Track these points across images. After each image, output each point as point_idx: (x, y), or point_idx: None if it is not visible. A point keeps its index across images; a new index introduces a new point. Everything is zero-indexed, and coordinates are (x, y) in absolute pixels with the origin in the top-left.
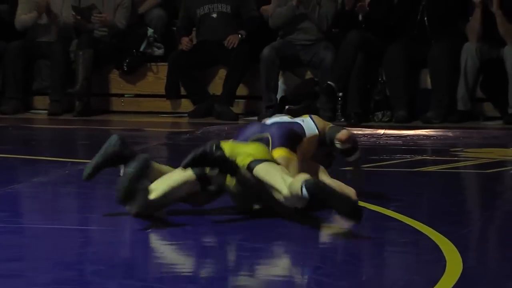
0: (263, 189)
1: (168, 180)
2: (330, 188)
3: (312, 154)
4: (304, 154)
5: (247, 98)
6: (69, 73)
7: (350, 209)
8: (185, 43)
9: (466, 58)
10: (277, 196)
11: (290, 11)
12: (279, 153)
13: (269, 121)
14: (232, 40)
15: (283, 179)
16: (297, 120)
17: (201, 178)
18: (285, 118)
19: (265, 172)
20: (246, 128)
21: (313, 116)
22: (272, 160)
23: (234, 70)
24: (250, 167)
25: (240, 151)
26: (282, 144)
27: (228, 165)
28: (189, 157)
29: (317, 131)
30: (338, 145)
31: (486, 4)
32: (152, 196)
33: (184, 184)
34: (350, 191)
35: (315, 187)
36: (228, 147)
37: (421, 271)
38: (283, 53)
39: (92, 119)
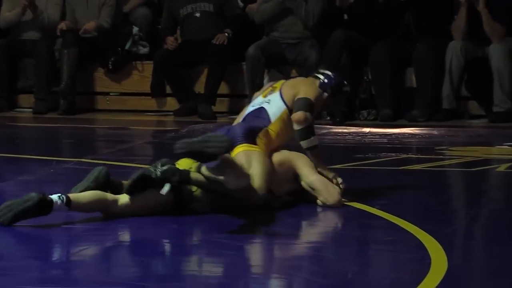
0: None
1: (144, 199)
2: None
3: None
4: (277, 141)
5: (232, 97)
6: (54, 71)
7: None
8: (170, 42)
9: (451, 56)
10: (227, 185)
11: (276, 7)
12: (238, 149)
13: (244, 112)
14: (221, 39)
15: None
16: (264, 103)
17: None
18: (257, 101)
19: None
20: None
21: (285, 85)
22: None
23: (213, 69)
24: (198, 169)
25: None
26: (241, 142)
27: (178, 177)
28: (129, 181)
29: (284, 107)
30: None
31: (471, 2)
32: (117, 202)
33: (158, 205)
34: (334, 189)
35: (182, 145)
36: (186, 162)
37: (406, 269)
38: (269, 51)
39: (77, 118)
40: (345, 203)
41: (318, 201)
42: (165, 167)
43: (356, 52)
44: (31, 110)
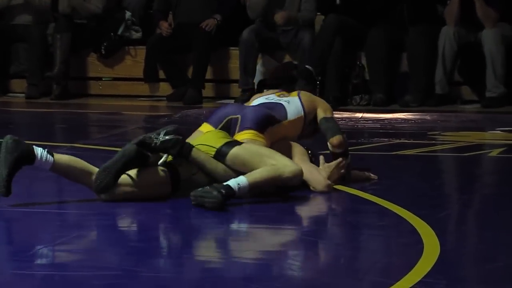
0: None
1: (140, 177)
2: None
3: (301, 133)
4: (281, 136)
5: (221, 82)
6: (47, 56)
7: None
8: (164, 28)
9: (444, 41)
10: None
11: None
12: (243, 136)
13: (255, 101)
14: (210, 24)
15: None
16: (283, 101)
17: (173, 178)
18: (272, 97)
19: (239, 157)
20: (220, 109)
21: (302, 94)
22: (232, 141)
23: (199, 53)
24: (220, 154)
25: (198, 140)
26: (251, 127)
27: (178, 150)
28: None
29: (302, 113)
30: (330, 147)
31: None
32: (119, 187)
33: (155, 184)
34: (320, 176)
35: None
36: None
37: (399, 254)
38: (262, 36)
39: (69, 103)
40: (338, 188)
41: (311, 187)
42: (167, 137)
43: (349, 37)
44: (23, 95)
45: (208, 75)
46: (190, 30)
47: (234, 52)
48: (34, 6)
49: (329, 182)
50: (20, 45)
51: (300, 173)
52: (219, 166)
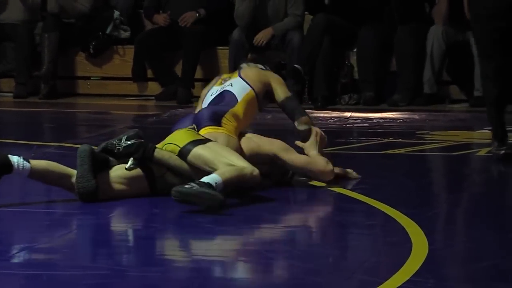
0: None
1: (118, 179)
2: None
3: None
4: (244, 119)
5: (210, 81)
6: (35, 55)
7: None
8: (162, 19)
9: (432, 41)
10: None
11: (252, 2)
12: (203, 132)
13: (204, 101)
14: (187, 18)
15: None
16: (226, 87)
17: (148, 177)
18: (215, 90)
19: (198, 158)
20: (179, 122)
21: (242, 72)
22: (198, 139)
23: (187, 51)
24: (183, 153)
25: (166, 140)
26: (207, 125)
27: (141, 153)
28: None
29: (250, 89)
30: (299, 127)
31: None
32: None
33: (132, 184)
34: (319, 159)
35: (177, 194)
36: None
37: (387, 253)
38: (253, 36)
39: (58, 102)
40: (326, 187)
41: (316, 177)
42: (129, 142)
43: (338, 37)
44: (11, 94)
45: (198, 75)
46: (179, 27)
47: (223, 51)
48: (25, 5)
49: (331, 166)
50: (7, 44)
51: (258, 174)
52: (184, 164)
